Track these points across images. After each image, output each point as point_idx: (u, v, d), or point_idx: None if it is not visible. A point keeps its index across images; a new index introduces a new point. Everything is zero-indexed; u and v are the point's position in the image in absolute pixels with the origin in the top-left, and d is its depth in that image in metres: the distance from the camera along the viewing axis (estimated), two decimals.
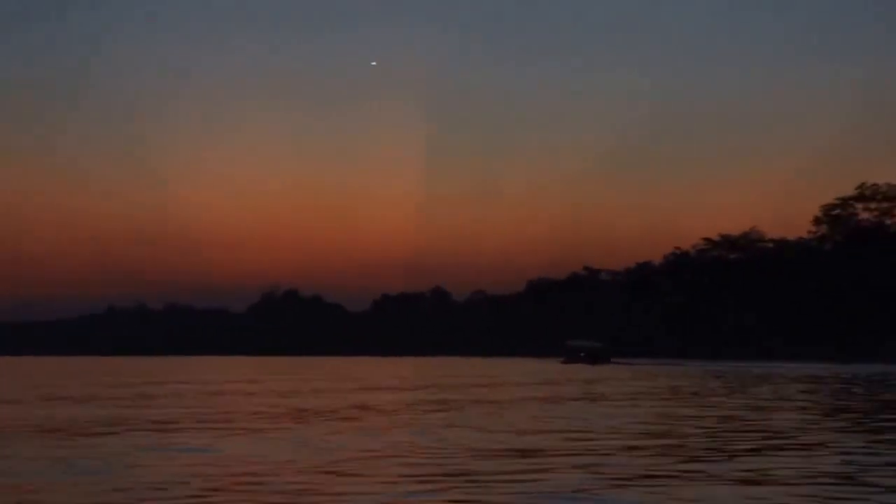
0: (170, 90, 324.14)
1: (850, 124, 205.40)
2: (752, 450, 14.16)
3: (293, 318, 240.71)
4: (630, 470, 11.66)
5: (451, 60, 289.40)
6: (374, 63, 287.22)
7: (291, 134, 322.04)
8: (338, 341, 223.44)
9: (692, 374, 57.64)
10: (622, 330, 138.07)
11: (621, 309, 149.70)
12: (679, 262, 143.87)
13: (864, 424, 18.91)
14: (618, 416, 21.03)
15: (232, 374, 64.87)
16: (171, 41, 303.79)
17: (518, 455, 13.44)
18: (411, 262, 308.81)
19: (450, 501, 9.48)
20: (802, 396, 30.41)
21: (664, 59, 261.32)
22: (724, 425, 18.60)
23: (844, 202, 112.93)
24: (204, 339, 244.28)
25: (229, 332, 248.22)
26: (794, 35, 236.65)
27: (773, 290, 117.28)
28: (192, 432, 17.13)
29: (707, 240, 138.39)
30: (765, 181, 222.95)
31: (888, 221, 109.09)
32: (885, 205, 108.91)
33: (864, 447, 14.37)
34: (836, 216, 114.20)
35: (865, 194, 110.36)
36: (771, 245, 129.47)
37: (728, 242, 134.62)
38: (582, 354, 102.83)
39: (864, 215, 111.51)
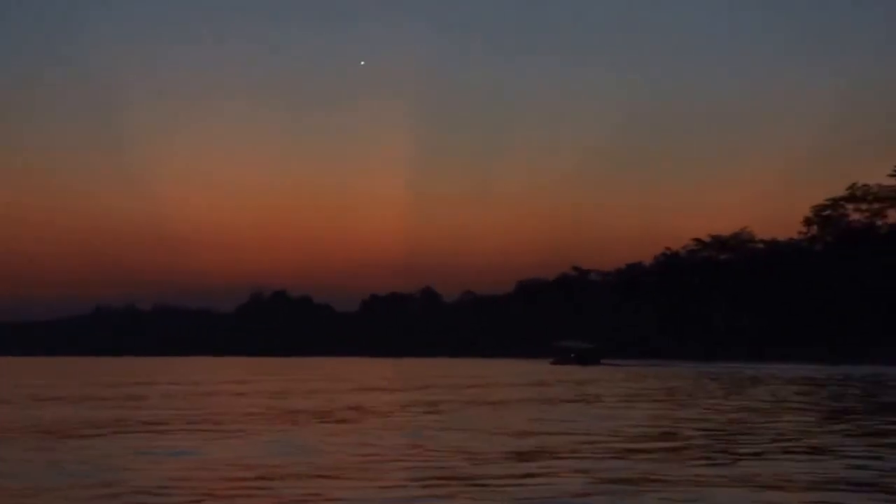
0: (158, 88, 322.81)
1: (842, 125, 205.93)
2: (757, 453, 13.83)
3: (282, 319, 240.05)
4: (634, 473, 11.31)
5: (442, 60, 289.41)
6: (363, 63, 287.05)
7: (281, 134, 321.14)
8: (327, 342, 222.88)
9: (684, 375, 57.40)
10: (612, 331, 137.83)
11: (611, 310, 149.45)
12: (669, 263, 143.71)
13: (867, 427, 18.59)
14: (616, 418, 20.69)
15: (221, 374, 64.45)
16: (161, 39, 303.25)
17: (518, 458, 13.09)
18: (401, 262, 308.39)
19: None
20: (800, 398, 30.15)
21: (655, 60, 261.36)
22: (725, 427, 18.28)
23: (835, 203, 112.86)
24: (193, 340, 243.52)
25: (218, 332, 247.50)
26: (786, 36, 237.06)
27: (763, 291, 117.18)
28: (182, 434, 16.74)
29: (697, 240, 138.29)
30: (755, 181, 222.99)
31: (879, 222, 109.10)
32: (875, 205, 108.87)
33: (867, 451, 14.04)
34: (826, 217, 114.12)
35: (856, 195, 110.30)
36: (761, 246, 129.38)
37: (718, 243, 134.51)
38: (572, 355, 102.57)
39: (855, 216, 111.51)
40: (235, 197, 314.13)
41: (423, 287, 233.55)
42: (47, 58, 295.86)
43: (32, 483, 10.74)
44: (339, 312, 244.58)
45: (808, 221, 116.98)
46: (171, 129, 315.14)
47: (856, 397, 30.32)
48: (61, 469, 11.91)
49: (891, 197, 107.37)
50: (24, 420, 20.01)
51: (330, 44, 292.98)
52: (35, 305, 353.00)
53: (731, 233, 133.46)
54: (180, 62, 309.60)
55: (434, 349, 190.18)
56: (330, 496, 9.75)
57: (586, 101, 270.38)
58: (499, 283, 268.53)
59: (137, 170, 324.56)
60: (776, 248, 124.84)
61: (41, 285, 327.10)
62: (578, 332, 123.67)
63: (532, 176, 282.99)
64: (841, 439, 15.89)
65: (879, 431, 17.60)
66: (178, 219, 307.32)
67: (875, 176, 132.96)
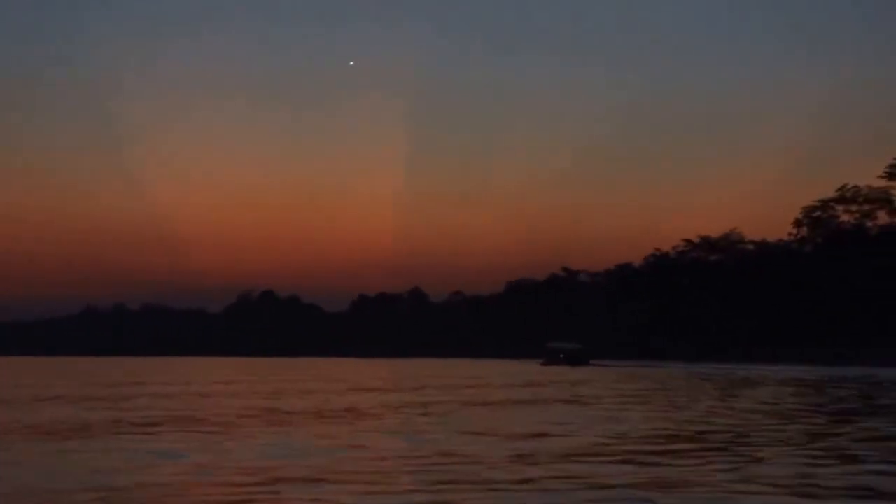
0: (148, 88, 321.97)
1: (832, 126, 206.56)
2: (771, 456, 13.45)
3: (270, 319, 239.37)
4: (650, 477, 10.93)
5: (432, 60, 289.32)
6: (352, 63, 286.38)
7: (270, 133, 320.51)
8: (316, 342, 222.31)
9: (675, 375, 57.11)
10: (601, 331, 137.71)
11: (600, 310, 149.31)
12: (659, 264, 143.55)
13: (875, 431, 18.25)
14: (619, 420, 20.32)
15: (213, 375, 63.96)
16: (152, 39, 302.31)
17: (525, 462, 12.68)
18: (389, 262, 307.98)
19: None
20: (798, 400, 29.87)
21: (646, 61, 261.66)
22: (732, 430, 17.92)
23: (825, 204, 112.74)
24: (181, 340, 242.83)
25: (206, 333, 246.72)
26: (777, 36, 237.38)
27: (753, 292, 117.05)
28: (174, 435, 16.30)
29: (687, 241, 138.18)
30: (745, 182, 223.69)
31: (869, 224, 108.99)
32: (865, 207, 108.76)
33: (883, 457, 13.70)
34: (816, 218, 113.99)
35: (846, 196, 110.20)
36: (751, 247, 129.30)
37: (708, 244, 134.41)
38: (561, 356, 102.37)
39: (845, 217, 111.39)
40: (224, 197, 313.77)
41: (411, 287, 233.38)
42: (24, 54, 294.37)
43: (20, 487, 10.31)
44: (327, 313, 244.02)
45: (797, 223, 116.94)
46: (160, 129, 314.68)
47: (855, 399, 30.02)
48: (51, 472, 11.49)
49: (881, 198, 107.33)
50: (14, 421, 19.55)
51: (325, 42, 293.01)
52: (23, 306, 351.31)
53: (721, 233, 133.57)
54: (169, 61, 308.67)
55: (422, 350, 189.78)
56: (338, 502, 9.35)
57: (576, 101, 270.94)
58: (488, 284, 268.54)
59: (125, 170, 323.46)
60: (766, 249, 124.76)
61: (29, 286, 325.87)
62: (568, 333, 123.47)
63: (522, 176, 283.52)
64: (852, 443, 15.54)
65: (891, 436, 17.23)
66: (167, 219, 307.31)
67: (865, 177, 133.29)
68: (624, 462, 12.64)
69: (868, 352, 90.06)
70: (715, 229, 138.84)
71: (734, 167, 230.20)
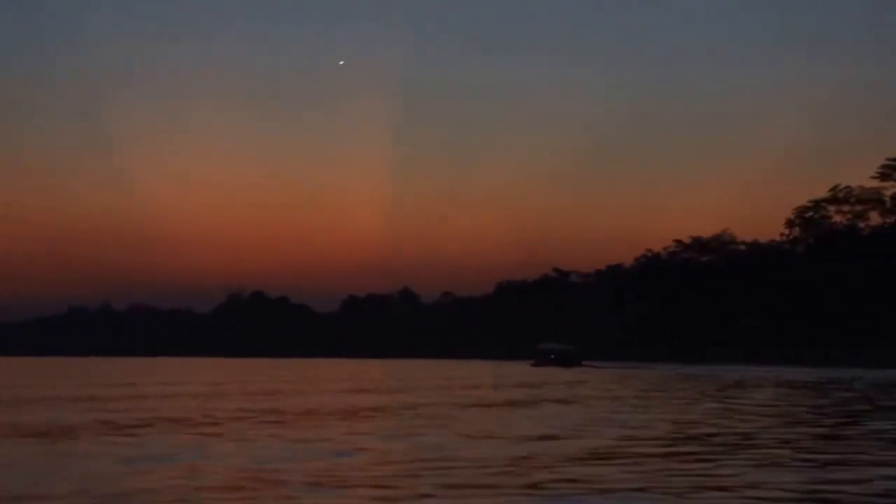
0: (133, 87, 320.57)
1: (824, 126, 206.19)
2: (792, 459, 12.99)
3: (260, 320, 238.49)
4: (665, 479, 10.44)
5: (421, 60, 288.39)
6: (342, 62, 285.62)
7: (259, 133, 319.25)
8: (305, 343, 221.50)
9: (668, 377, 56.75)
10: (592, 332, 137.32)
11: (591, 311, 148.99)
12: (650, 265, 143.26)
13: (886, 433, 17.81)
14: (619, 422, 19.85)
15: (203, 376, 63.38)
16: (136, 37, 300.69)
17: (532, 465, 12.18)
18: (379, 262, 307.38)
19: None
20: (800, 401, 29.50)
21: (635, 61, 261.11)
22: (741, 431, 17.46)
23: (817, 204, 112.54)
24: (169, 341, 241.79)
25: (195, 333, 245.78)
26: (768, 35, 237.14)
27: (744, 293, 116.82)
28: (168, 437, 15.76)
29: (678, 242, 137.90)
30: (737, 183, 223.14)
31: (861, 224, 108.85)
32: (858, 207, 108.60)
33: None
34: (808, 219, 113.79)
35: (838, 197, 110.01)
36: (743, 247, 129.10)
37: (699, 244, 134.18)
38: (552, 357, 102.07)
39: (837, 218, 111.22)
40: (211, 197, 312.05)
41: (401, 288, 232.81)
42: (6, 55, 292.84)
43: (3, 493, 9.77)
44: (318, 313, 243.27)
45: (789, 223, 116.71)
46: (149, 130, 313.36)
47: (857, 401, 29.62)
48: (38, 476, 10.95)
49: (873, 199, 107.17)
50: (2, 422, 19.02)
51: (311, 43, 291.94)
52: (8, 306, 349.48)
53: (713, 234, 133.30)
54: (167, 61, 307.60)
55: (413, 350, 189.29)
56: None
57: (567, 101, 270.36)
58: (478, 284, 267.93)
59: (114, 169, 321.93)
60: (758, 250, 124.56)
61: (14, 286, 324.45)
62: (559, 334, 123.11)
63: (512, 177, 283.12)
64: (866, 446, 15.06)
65: None
66: (155, 218, 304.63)
67: (857, 178, 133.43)
68: (636, 465, 12.15)
69: (860, 352, 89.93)
70: (706, 230, 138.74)
71: (726, 168, 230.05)
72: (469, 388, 39.09)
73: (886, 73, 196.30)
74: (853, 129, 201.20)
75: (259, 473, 11.13)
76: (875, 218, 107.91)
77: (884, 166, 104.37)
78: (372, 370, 78.85)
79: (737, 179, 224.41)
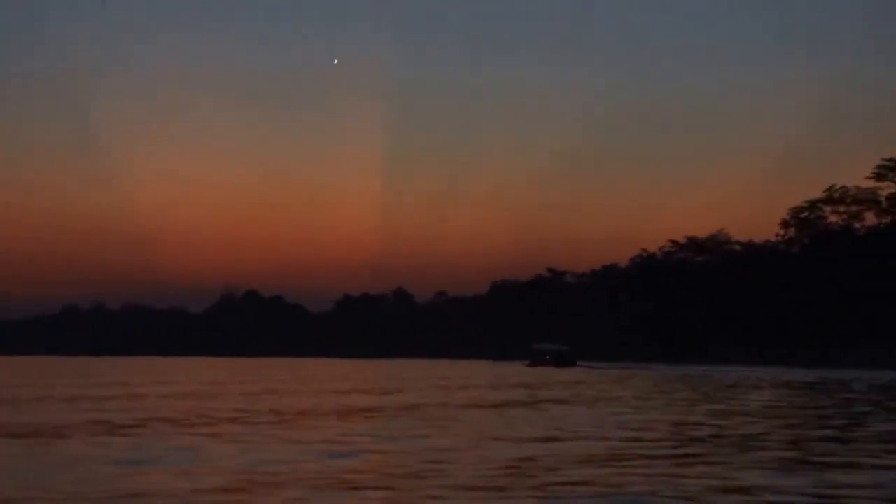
0: (127, 86, 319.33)
1: (820, 126, 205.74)
2: (802, 461, 12.70)
3: (254, 319, 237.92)
4: (682, 484, 10.14)
5: (414, 60, 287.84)
6: (336, 61, 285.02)
7: (252, 132, 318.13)
8: (300, 342, 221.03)
9: (666, 378, 56.47)
10: (587, 333, 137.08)
11: (586, 311, 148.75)
12: (645, 265, 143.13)
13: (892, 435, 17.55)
14: (622, 423, 19.57)
15: (199, 375, 63.02)
16: (128, 36, 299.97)
17: (541, 467, 11.88)
18: (373, 262, 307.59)
19: None
20: (803, 402, 29.24)
21: (630, 60, 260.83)
22: (749, 433, 17.17)
23: (813, 205, 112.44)
24: (163, 340, 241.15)
25: (189, 332, 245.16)
26: (763, 34, 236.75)
27: (740, 293, 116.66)
28: (162, 437, 15.42)
29: (674, 242, 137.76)
30: (732, 183, 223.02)
31: (857, 224, 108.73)
32: (853, 208, 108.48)
33: None
34: (804, 219, 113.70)
35: (834, 197, 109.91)
36: (738, 247, 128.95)
37: (695, 245, 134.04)
38: (547, 357, 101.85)
39: (833, 218, 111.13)
40: (205, 196, 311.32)
41: (396, 288, 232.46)
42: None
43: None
44: (312, 313, 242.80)
45: (785, 223, 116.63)
46: (140, 128, 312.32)
47: (859, 402, 29.36)
48: (28, 478, 10.63)
49: (868, 199, 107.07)
50: None
51: (303, 43, 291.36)
52: (1, 305, 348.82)
53: (708, 234, 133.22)
54: (166, 61, 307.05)
55: (407, 350, 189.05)
56: None
57: (561, 101, 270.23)
58: (472, 284, 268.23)
59: (107, 168, 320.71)
60: (753, 250, 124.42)
61: (8, 285, 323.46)
62: (553, 334, 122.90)
63: (506, 176, 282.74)
64: (875, 449, 14.78)
65: None
66: (148, 218, 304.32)
67: (853, 178, 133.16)
68: (642, 467, 11.85)
69: (856, 353, 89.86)
70: (702, 230, 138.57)
71: (721, 168, 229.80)
72: (467, 389, 38.80)
73: (886, 74, 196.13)
74: (849, 129, 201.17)
75: (255, 475, 10.82)
76: (871, 218, 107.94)
77: (879, 166, 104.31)
78: (366, 370, 78.51)
79: (732, 180, 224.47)
